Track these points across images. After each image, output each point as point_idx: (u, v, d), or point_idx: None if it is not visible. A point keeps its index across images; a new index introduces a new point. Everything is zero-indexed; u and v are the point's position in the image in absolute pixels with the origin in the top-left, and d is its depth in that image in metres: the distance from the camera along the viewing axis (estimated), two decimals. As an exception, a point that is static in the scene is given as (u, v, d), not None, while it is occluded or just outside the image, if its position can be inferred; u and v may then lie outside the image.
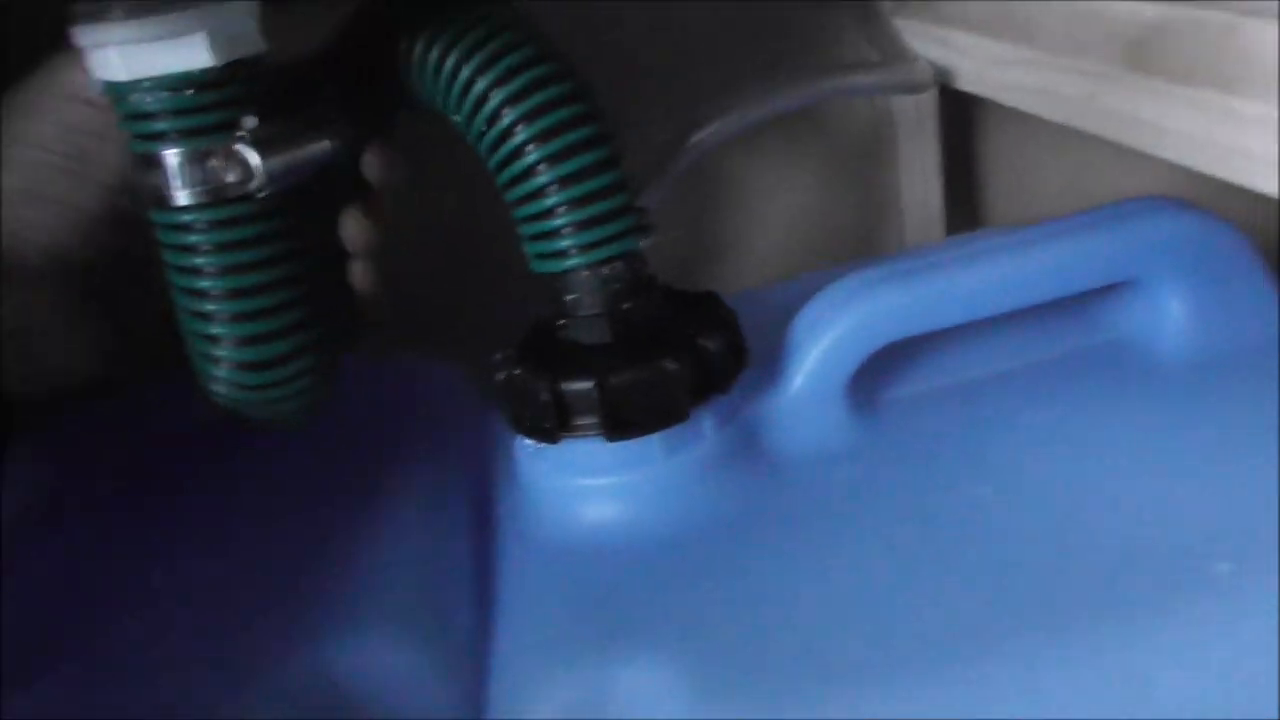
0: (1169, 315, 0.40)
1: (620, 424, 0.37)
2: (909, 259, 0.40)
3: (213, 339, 0.35)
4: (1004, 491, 0.35)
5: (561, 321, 0.39)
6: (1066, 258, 0.39)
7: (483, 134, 0.36)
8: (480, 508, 0.44)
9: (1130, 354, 0.41)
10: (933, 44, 0.52)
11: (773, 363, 0.40)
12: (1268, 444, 0.35)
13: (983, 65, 0.47)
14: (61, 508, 0.43)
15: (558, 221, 0.36)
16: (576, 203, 0.36)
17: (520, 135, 0.35)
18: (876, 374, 0.41)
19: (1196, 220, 0.39)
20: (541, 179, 0.36)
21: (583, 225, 0.36)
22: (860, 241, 0.68)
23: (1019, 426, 0.38)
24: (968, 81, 0.50)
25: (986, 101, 0.52)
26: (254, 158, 0.33)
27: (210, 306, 0.34)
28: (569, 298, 0.38)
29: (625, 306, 0.38)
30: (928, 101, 0.58)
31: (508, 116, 0.35)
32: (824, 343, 0.39)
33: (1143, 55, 0.35)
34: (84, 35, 0.32)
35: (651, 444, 0.37)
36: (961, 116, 0.64)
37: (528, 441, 0.39)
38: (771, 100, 0.46)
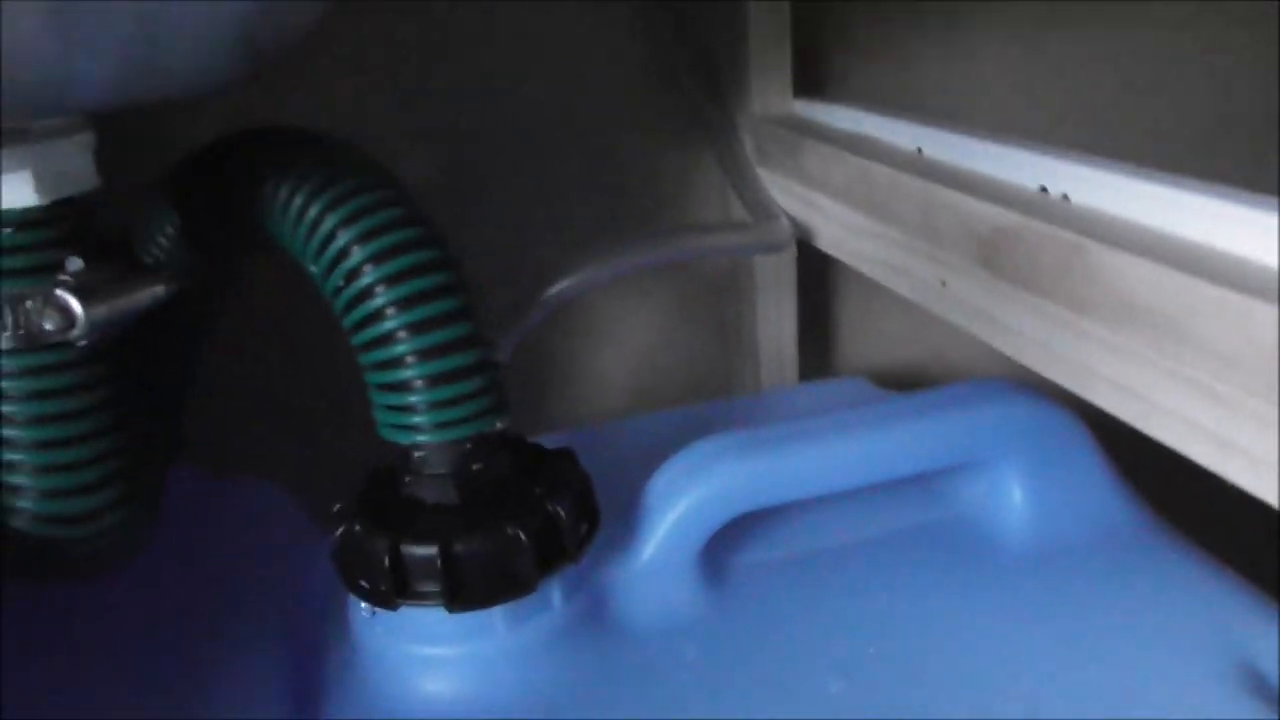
0: (1009, 495, 0.42)
1: (463, 594, 0.35)
2: (761, 427, 0.40)
3: (17, 489, 0.32)
4: (855, 686, 0.35)
5: (406, 478, 0.37)
6: (913, 439, 0.40)
7: (339, 289, 0.34)
8: (301, 655, 0.41)
9: (972, 531, 0.42)
10: (794, 200, 0.54)
11: (623, 526, 0.39)
12: (1099, 633, 0.37)
13: (841, 231, 0.49)
14: None
15: (413, 397, 0.35)
16: (434, 380, 0.34)
17: (380, 297, 0.34)
18: (728, 541, 0.41)
19: (1037, 406, 0.41)
20: (401, 348, 0.34)
21: (439, 405, 0.35)
22: (716, 376, 0.68)
23: (867, 609, 0.38)
24: (826, 243, 0.51)
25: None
26: (76, 305, 0.30)
27: (15, 456, 0.31)
28: (417, 455, 0.36)
29: (474, 468, 0.37)
30: (788, 252, 0.59)
31: (369, 275, 0.34)
32: (675, 512, 0.38)
33: (994, 256, 0.36)
34: (-108, 162, 0.29)
35: (495, 615, 0.36)
36: (819, 262, 0.66)
37: (363, 604, 0.37)
38: (629, 259, 0.45)
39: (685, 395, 0.68)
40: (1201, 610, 0.38)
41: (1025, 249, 0.34)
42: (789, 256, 0.61)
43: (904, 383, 0.66)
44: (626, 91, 0.61)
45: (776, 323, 0.63)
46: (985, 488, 0.42)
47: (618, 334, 0.66)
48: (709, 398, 0.67)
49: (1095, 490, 0.42)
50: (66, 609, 0.42)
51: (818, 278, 0.68)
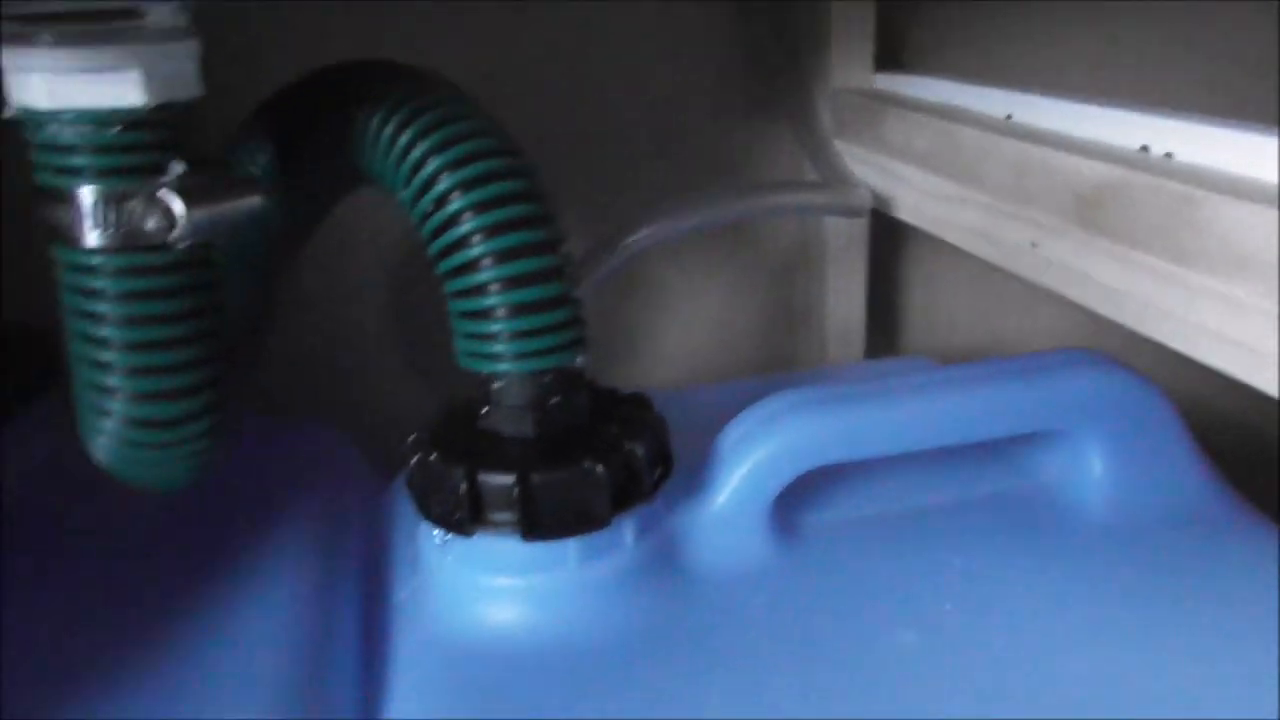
0: (1089, 468, 0.41)
1: (538, 523, 0.35)
2: (838, 385, 0.40)
3: (108, 390, 0.32)
4: (927, 640, 0.34)
5: (484, 410, 0.37)
6: (993, 403, 0.39)
7: (427, 215, 0.34)
8: (371, 587, 0.42)
9: (1051, 503, 0.41)
10: (872, 170, 0.53)
11: (696, 474, 0.39)
12: (1180, 607, 0.36)
13: (923, 198, 0.48)
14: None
15: (496, 325, 0.35)
16: (519, 309, 0.34)
17: (467, 224, 0.34)
18: (800, 497, 0.40)
19: (1121, 377, 0.40)
20: (485, 275, 0.34)
21: (520, 334, 0.35)
22: (781, 351, 0.68)
23: (940, 570, 0.38)
24: (906, 212, 0.51)
25: (914, 230, 0.53)
26: (178, 205, 0.30)
27: (109, 356, 0.32)
28: (495, 385, 0.36)
29: (552, 401, 0.37)
30: (860, 225, 0.59)
31: (456, 201, 0.34)
32: (750, 462, 0.38)
33: (1095, 214, 0.35)
34: (8, 56, 0.29)
35: (568, 548, 0.36)
36: (889, 241, 0.66)
37: (435, 531, 0.37)
38: (707, 211, 0.45)
39: (750, 370, 0.67)
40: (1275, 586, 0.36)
41: (1131, 204, 0.34)
42: (861, 233, 0.60)
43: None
44: (706, 63, 0.61)
45: (845, 301, 0.63)
46: (1065, 458, 0.41)
47: (685, 308, 0.65)
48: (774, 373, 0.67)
49: (1177, 466, 0.41)
50: (129, 539, 0.43)
51: (887, 258, 0.67)
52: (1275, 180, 0.31)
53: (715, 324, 0.67)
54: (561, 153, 0.60)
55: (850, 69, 0.57)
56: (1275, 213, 0.28)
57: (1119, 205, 0.34)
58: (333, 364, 0.62)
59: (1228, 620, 0.35)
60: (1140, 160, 0.35)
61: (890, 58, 0.61)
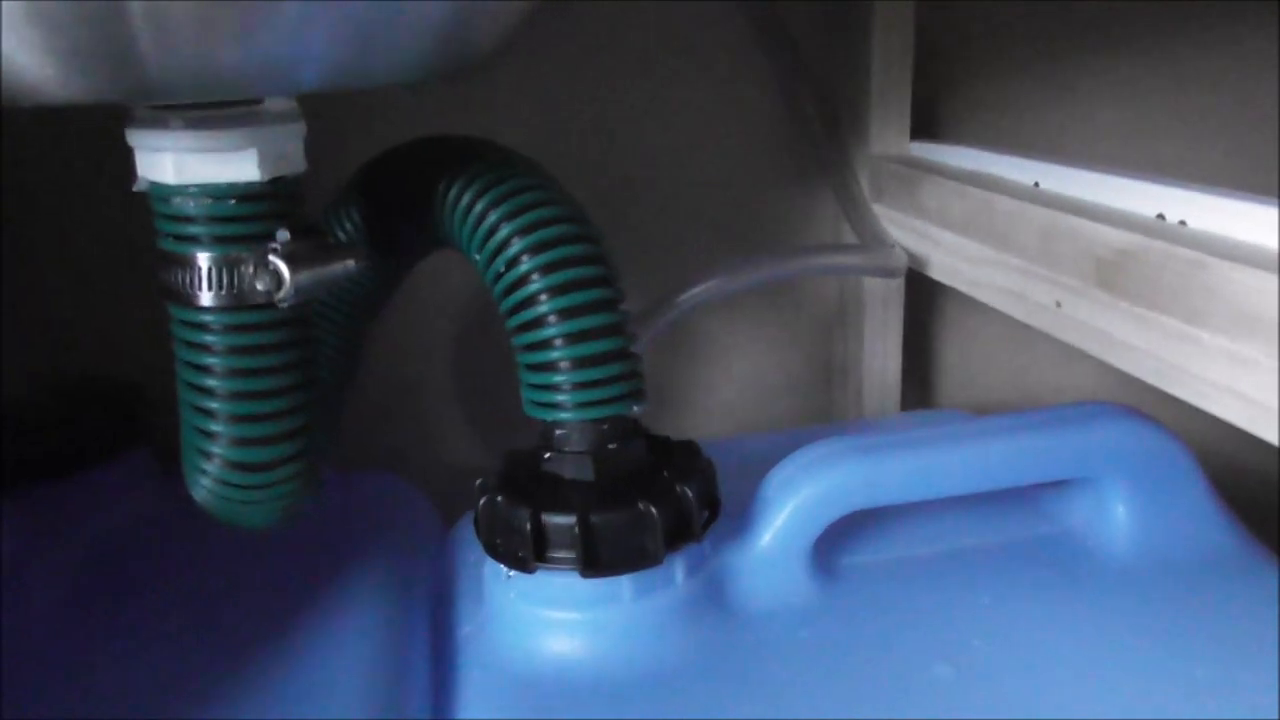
0: (1114, 514, 0.43)
1: (596, 561, 0.38)
2: (875, 434, 0.43)
3: (210, 435, 0.36)
4: (962, 673, 0.36)
5: (547, 455, 0.40)
6: (1022, 452, 0.42)
7: (499, 276, 0.38)
8: (438, 621, 0.45)
9: (1077, 546, 0.43)
10: (908, 233, 0.56)
11: (742, 517, 0.42)
12: (1197, 645, 0.38)
13: (957, 260, 0.51)
14: (31, 579, 0.43)
15: (559, 377, 0.38)
16: (580, 362, 0.38)
17: (535, 284, 0.37)
18: (840, 539, 0.43)
19: (1144, 428, 0.42)
20: (550, 330, 0.37)
21: (582, 385, 0.38)
22: (821, 404, 0.71)
23: (974, 608, 0.40)
24: (940, 272, 0.54)
25: (949, 291, 0.56)
26: (285, 270, 0.34)
27: (214, 404, 0.35)
28: (558, 433, 0.39)
29: (610, 447, 0.40)
30: (896, 284, 0.62)
31: (526, 263, 0.37)
32: (792, 504, 0.41)
33: (1114, 277, 0.38)
34: (140, 138, 0.33)
35: (623, 584, 0.38)
36: (924, 300, 0.68)
37: (500, 568, 0.40)
38: (755, 271, 0.49)
39: (792, 422, 0.70)
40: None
41: (1146, 268, 0.36)
42: (896, 292, 0.63)
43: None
44: (755, 134, 0.65)
45: (881, 357, 0.65)
46: (1091, 505, 0.44)
47: (729, 361, 0.69)
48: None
49: (1197, 513, 0.43)
50: (221, 578, 0.46)
51: (923, 315, 0.70)
52: (1277, 247, 0.34)
53: (760, 378, 0.70)
54: (624, 216, 0.64)
55: (888, 138, 0.61)
56: (1276, 277, 0.31)
57: (1136, 269, 0.37)
58: (401, 418, 0.65)
59: (1241, 658, 0.37)
60: (1156, 227, 0.38)
61: (925, 126, 0.64)
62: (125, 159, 0.34)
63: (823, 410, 0.71)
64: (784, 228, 0.66)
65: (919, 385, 0.72)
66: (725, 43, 0.63)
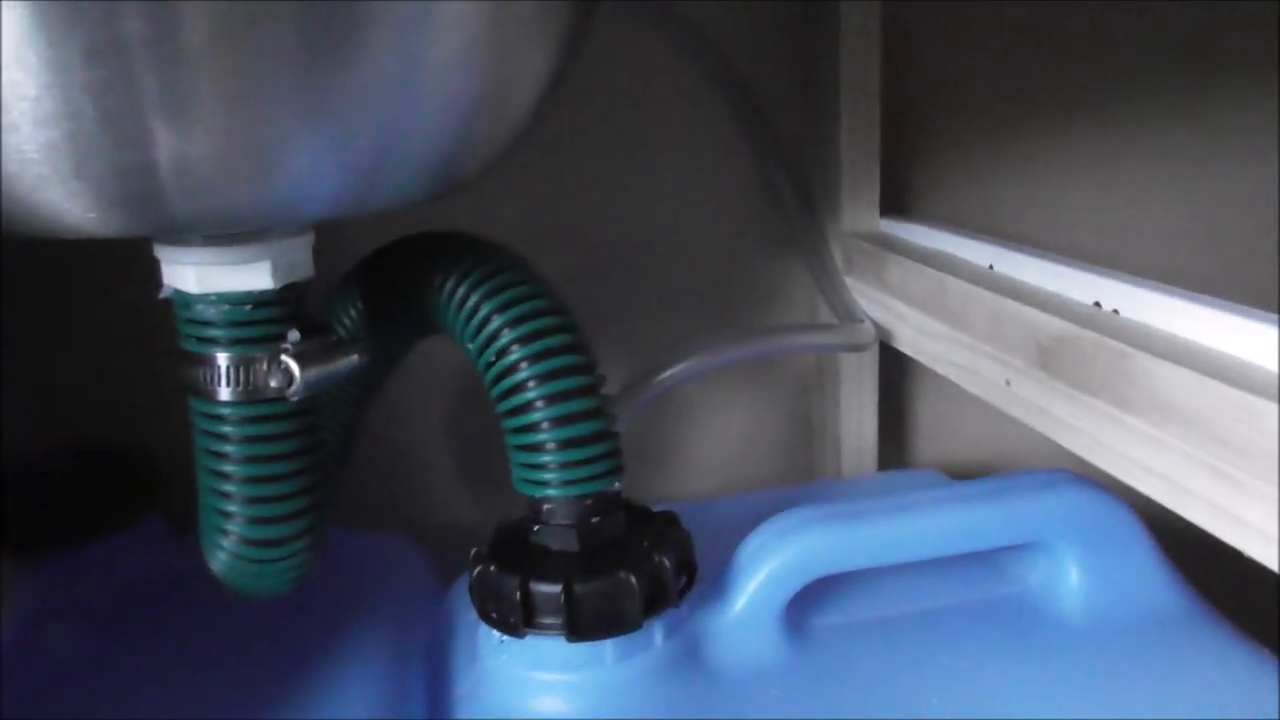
0: (1067, 576, 0.46)
1: (580, 627, 0.41)
2: (843, 502, 0.46)
3: (228, 515, 0.39)
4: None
5: (535, 527, 0.43)
6: (980, 519, 0.45)
7: (490, 365, 0.41)
8: (435, 678, 0.48)
9: (1032, 607, 0.47)
10: (877, 306, 0.60)
11: (717, 582, 0.45)
12: (1144, 697, 0.41)
13: (918, 335, 0.55)
14: (45, 643, 0.46)
15: (546, 457, 0.41)
16: (565, 444, 0.41)
17: (523, 372, 0.41)
18: (811, 601, 0.46)
19: (1094, 495, 0.46)
20: (537, 415, 0.41)
21: (567, 465, 0.41)
22: (800, 464, 0.74)
23: (934, 668, 0.43)
24: (905, 345, 0.57)
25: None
26: (296, 368, 0.37)
27: (231, 487, 0.39)
28: (545, 507, 0.43)
29: (593, 521, 0.43)
30: (870, 352, 0.65)
31: (515, 353, 0.41)
32: (765, 571, 0.44)
33: (1052, 360, 0.42)
34: (165, 252, 0.37)
35: (605, 648, 0.42)
36: (898, 365, 0.72)
37: (493, 632, 0.43)
38: (730, 351, 0.52)
39: (772, 480, 0.73)
40: (1241, 685, 0.41)
41: (1079, 354, 0.40)
42: (871, 358, 0.67)
43: (973, 476, 0.71)
44: (732, 209, 0.69)
45: (858, 419, 0.69)
46: (1046, 567, 0.47)
47: (712, 424, 0.72)
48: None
49: (1145, 574, 0.46)
50: (227, 636, 0.49)
51: (897, 379, 0.74)
52: (1198, 341, 0.37)
53: (740, 439, 0.73)
54: (607, 290, 0.68)
55: (858, 214, 0.64)
56: (1191, 371, 0.34)
57: (1070, 355, 0.40)
58: (395, 478, 0.69)
59: (1185, 714, 0.40)
60: (1089, 316, 0.42)
61: (896, 200, 0.68)
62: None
63: (805, 469, 0.74)
64: (763, 300, 0.70)
65: (895, 445, 0.75)
66: (704, 122, 0.67)
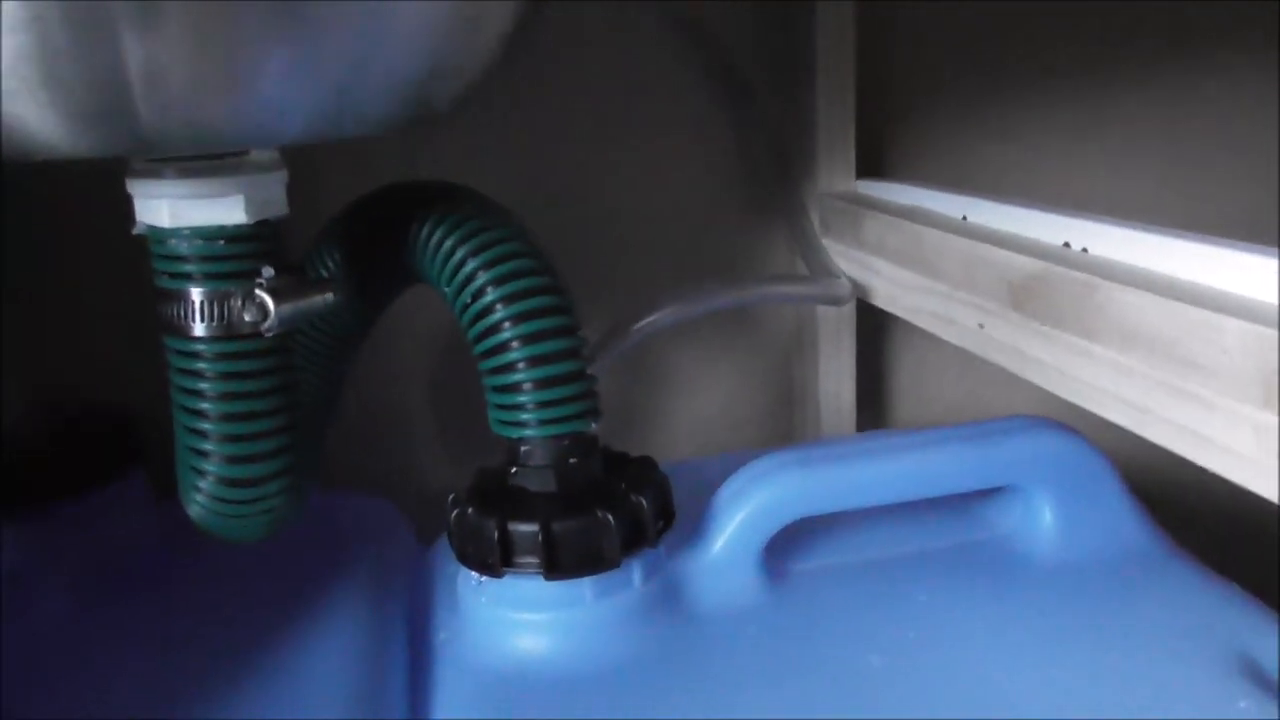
0: (1040, 519, 0.46)
1: (558, 565, 0.41)
2: (820, 448, 0.46)
3: (204, 454, 0.39)
4: (890, 663, 0.40)
5: (513, 469, 0.44)
6: (954, 463, 0.45)
7: (466, 306, 0.42)
8: (416, 631, 0.48)
9: (1006, 549, 0.47)
10: (854, 264, 0.60)
11: (696, 526, 0.45)
12: (1117, 641, 0.41)
13: (894, 288, 0.55)
14: (34, 590, 0.46)
15: (522, 397, 0.41)
16: (542, 383, 0.41)
17: (499, 313, 0.41)
18: (788, 546, 0.46)
19: (1065, 439, 0.46)
20: (513, 355, 0.41)
21: (544, 404, 0.41)
22: (780, 429, 0.74)
23: (908, 607, 0.43)
24: (882, 300, 0.58)
25: (898, 318, 0.60)
26: (270, 303, 0.37)
27: (207, 425, 0.39)
28: (523, 449, 0.43)
29: (571, 462, 0.43)
30: (847, 311, 0.66)
31: (490, 294, 0.41)
32: (742, 514, 0.44)
33: (1023, 299, 0.42)
34: (138, 186, 0.37)
35: (584, 586, 0.42)
36: (876, 326, 0.73)
37: (472, 574, 0.43)
38: (707, 299, 0.52)
39: (752, 445, 0.74)
40: (1207, 619, 0.42)
41: (1049, 291, 0.40)
42: (849, 320, 0.67)
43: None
44: (711, 173, 0.69)
45: (836, 381, 0.69)
46: (1020, 511, 0.47)
47: (691, 390, 0.72)
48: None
49: (1116, 515, 0.46)
50: (209, 591, 0.49)
51: (875, 342, 0.74)
52: (1161, 270, 0.38)
53: (719, 404, 0.73)
54: (588, 251, 0.68)
55: (835, 176, 0.65)
56: (1155, 296, 0.35)
57: (1041, 292, 0.41)
58: (377, 440, 0.69)
59: (1158, 649, 0.41)
60: (1058, 254, 0.42)
61: (872, 164, 0.68)
62: (118, 194, 0.38)
63: (784, 434, 0.75)
64: (740, 259, 0.70)
65: (874, 408, 0.75)
66: (681, 87, 0.67)
